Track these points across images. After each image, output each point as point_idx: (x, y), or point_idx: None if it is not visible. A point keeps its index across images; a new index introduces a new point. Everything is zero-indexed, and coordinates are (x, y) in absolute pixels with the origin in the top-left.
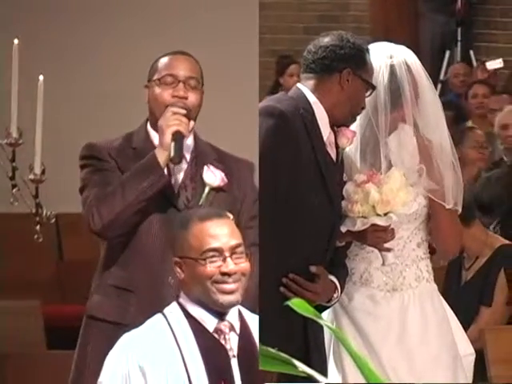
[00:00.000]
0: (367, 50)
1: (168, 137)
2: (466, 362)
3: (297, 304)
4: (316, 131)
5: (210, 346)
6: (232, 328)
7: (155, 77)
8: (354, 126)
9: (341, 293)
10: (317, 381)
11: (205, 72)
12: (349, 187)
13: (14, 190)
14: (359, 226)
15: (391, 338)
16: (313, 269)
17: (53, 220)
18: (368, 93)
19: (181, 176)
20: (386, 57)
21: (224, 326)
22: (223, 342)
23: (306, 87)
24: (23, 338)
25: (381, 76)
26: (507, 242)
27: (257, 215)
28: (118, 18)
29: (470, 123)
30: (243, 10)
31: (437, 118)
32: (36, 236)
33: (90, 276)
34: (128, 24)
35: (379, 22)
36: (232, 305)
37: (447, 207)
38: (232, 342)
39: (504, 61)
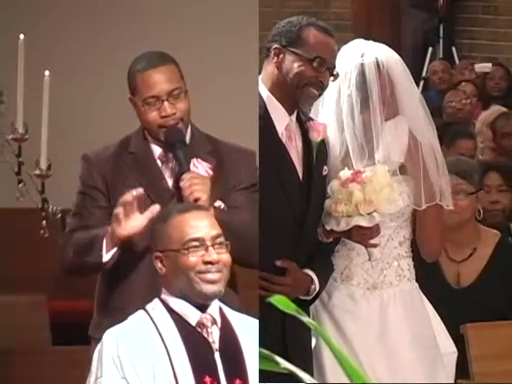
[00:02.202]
0: (309, 24)
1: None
2: (448, 361)
3: (278, 301)
4: (267, 128)
5: (193, 340)
6: (214, 321)
7: (137, 97)
8: (333, 127)
9: (321, 285)
10: (301, 380)
11: (205, 65)
12: (333, 185)
13: (20, 185)
14: (343, 226)
15: (370, 336)
16: (277, 262)
17: (59, 215)
18: (318, 65)
19: (174, 173)
20: (358, 55)
21: (206, 319)
22: (206, 335)
23: (261, 82)
24: (29, 333)
25: (349, 75)
26: (496, 231)
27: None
28: (125, 12)
29: None
30: (243, 2)
31: (418, 118)
32: (42, 231)
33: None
34: (135, 19)
35: (361, 18)
36: (215, 295)
37: (421, 208)
38: (214, 336)
39: (486, 57)
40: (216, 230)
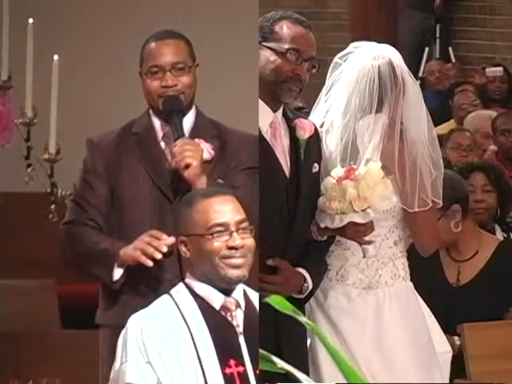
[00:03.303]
0: (282, 17)
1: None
2: (443, 360)
3: (275, 301)
4: None
5: (217, 324)
6: (238, 305)
7: (143, 68)
8: (336, 126)
9: (314, 283)
10: (298, 380)
11: (205, 51)
12: (326, 183)
13: (29, 170)
14: (337, 223)
15: (366, 336)
16: (269, 261)
17: (67, 199)
18: (293, 57)
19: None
20: (372, 58)
21: (230, 303)
22: (230, 319)
23: None
24: (38, 316)
25: (369, 77)
26: (496, 237)
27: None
28: None
29: (452, 122)
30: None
31: (419, 113)
32: (51, 215)
33: None
34: (143, 3)
35: (358, 18)
36: (239, 280)
37: (410, 211)
38: (238, 319)
39: (483, 57)
40: (240, 215)
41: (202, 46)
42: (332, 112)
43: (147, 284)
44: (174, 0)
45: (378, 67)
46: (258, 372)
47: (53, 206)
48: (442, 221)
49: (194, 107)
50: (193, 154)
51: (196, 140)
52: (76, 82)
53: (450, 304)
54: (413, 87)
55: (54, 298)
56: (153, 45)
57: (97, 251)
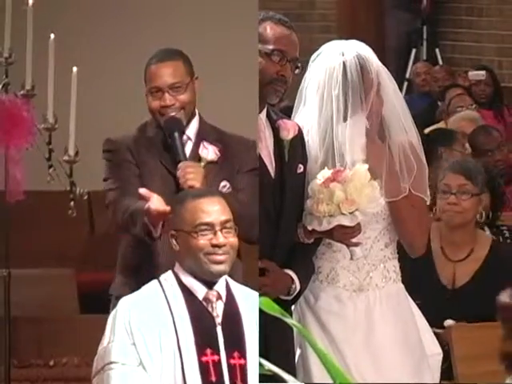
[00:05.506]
0: (265, 18)
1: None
2: (433, 362)
3: (264, 303)
4: None
5: (198, 314)
6: (219, 297)
7: (146, 87)
8: (314, 130)
9: (301, 285)
10: (284, 380)
11: (206, 58)
12: (313, 185)
13: (51, 170)
14: (325, 225)
15: (357, 338)
16: (259, 264)
17: (85, 197)
18: (278, 58)
19: (187, 155)
20: (338, 54)
21: (212, 295)
22: (210, 309)
23: None
24: (58, 303)
25: (335, 75)
26: (489, 234)
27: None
28: (150, 11)
29: (442, 124)
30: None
31: (397, 112)
32: (70, 211)
33: (117, 247)
34: (158, 15)
35: (346, 20)
36: (220, 274)
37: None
38: (218, 310)
39: (469, 59)
40: (225, 216)
41: (202, 51)
42: (308, 116)
43: (158, 259)
44: (185, 12)
45: (343, 64)
46: (232, 362)
47: (72, 203)
48: (474, 199)
49: (197, 114)
50: (194, 176)
51: (204, 142)
52: (93, 91)
53: (445, 308)
54: (389, 81)
55: (74, 286)
56: (153, 67)
57: (131, 212)
